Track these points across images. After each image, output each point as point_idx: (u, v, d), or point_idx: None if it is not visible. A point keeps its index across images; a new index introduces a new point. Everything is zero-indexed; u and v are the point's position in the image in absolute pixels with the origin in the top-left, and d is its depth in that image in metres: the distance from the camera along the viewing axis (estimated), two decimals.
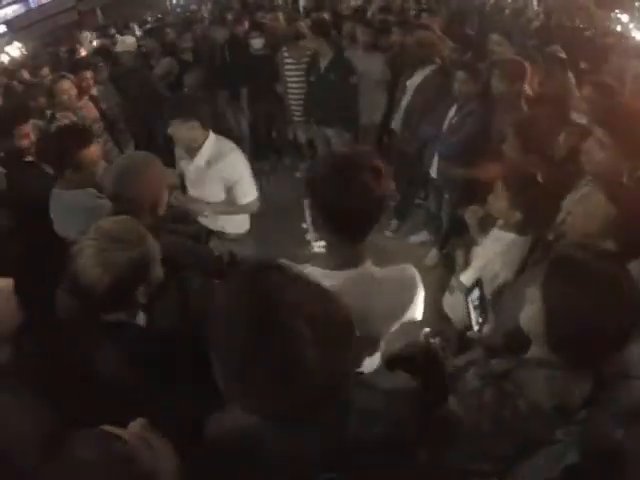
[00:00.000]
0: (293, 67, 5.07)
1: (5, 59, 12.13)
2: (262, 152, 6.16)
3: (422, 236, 4.71)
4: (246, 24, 5.87)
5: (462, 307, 2.24)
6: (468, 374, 1.47)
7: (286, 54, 5.09)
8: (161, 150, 3.72)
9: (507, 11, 8.33)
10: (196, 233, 2.65)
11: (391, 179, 3.63)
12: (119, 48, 5.69)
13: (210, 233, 2.97)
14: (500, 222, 2.32)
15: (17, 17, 17.76)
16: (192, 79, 5.46)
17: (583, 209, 1.88)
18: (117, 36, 7.69)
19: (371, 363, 1.50)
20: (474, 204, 2.62)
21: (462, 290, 2.33)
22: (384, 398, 1.07)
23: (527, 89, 3.39)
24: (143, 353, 1.44)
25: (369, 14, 6.62)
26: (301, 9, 8.16)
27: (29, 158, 3.08)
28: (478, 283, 1.98)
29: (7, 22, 17.31)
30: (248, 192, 2.96)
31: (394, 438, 1.00)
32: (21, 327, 1.51)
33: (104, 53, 5.85)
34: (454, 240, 3.65)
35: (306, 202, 2.03)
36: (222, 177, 2.83)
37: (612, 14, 8.89)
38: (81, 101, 4.34)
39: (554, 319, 1.28)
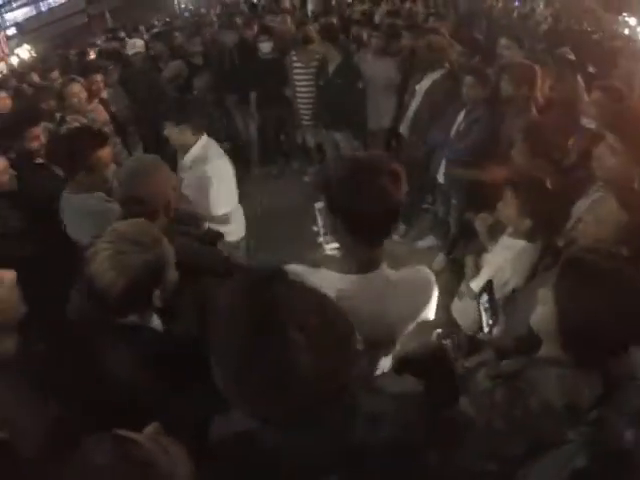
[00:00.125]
0: (302, 71, 5.08)
1: (15, 61, 12.23)
2: (270, 156, 6.19)
3: (429, 241, 4.70)
4: (255, 28, 5.88)
5: (471, 312, 2.25)
6: (479, 375, 1.48)
7: (295, 58, 5.10)
8: (169, 153, 3.73)
9: (515, 14, 8.32)
10: (204, 235, 2.65)
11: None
12: (129, 51, 5.72)
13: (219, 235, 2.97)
14: (510, 229, 2.31)
15: (27, 20, 17.91)
16: (201, 82, 5.49)
17: (594, 215, 1.88)
18: (126, 39, 7.71)
19: (387, 364, 1.52)
20: (481, 209, 2.61)
21: (471, 296, 2.33)
22: (392, 402, 1.07)
23: (537, 93, 3.37)
24: (156, 356, 1.44)
25: (376, 18, 6.63)
26: (309, 13, 8.16)
27: (39, 160, 3.10)
28: (488, 285, 1.98)
29: (17, 24, 17.46)
30: (223, 203, 2.90)
31: (402, 442, 1.00)
32: (26, 322, 1.52)
33: (114, 56, 5.87)
34: (462, 245, 3.65)
35: (317, 205, 2.04)
36: (199, 180, 2.80)
37: (620, 17, 8.89)
38: (91, 104, 4.36)
39: (565, 318, 1.29)
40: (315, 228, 2.07)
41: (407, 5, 7.91)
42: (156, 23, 12.04)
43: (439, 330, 1.24)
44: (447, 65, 4.24)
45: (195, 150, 2.87)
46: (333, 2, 9.59)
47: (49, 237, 2.52)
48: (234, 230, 3.09)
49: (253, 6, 9.32)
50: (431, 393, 1.13)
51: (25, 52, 13.82)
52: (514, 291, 2.17)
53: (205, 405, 1.08)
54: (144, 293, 1.50)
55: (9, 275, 1.48)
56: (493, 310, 1.90)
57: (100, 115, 4.42)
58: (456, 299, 2.58)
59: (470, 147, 3.52)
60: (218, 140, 3.14)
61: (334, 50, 4.74)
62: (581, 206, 2.24)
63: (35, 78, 6.27)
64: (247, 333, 0.81)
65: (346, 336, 0.87)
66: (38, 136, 3.11)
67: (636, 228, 1.70)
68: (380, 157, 1.38)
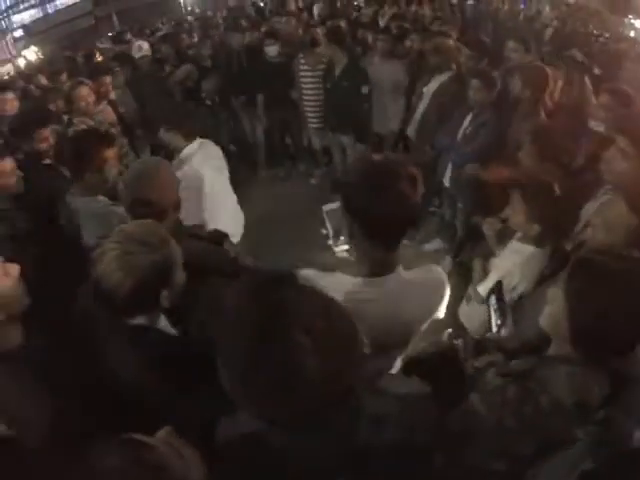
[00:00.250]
0: (309, 74, 5.08)
1: (22, 63, 12.30)
2: (277, 158, 6.20)
3: (436, 244, 4.67)
4: (261, 30, 5.88)
5: (479, 315, 2.24)
6: (489, 373, 1.48)
7: (302, 61, 5.10)
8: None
9: (521, 17, 8.31)
10: (212, 236, 2.65)
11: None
12: (136, 54, 5.74)
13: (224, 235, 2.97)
14: (519, 234, 2.31)
15: (34, 22, 18.02)
16: (209, 85, 5.50)
17: (603, 219, 1.87)
18: (133, 40, 7.74)
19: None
20: (488, 213, 2.60)
21: (479, 300, 2.32)
22: (396, 403, 1.07)
23: (547, 97, 3.36)
24: (163, 358, 1.44)
25: (381, 22, 6.63)
26: (315, 16, 8.16)
27: (47, 161, 3.12)
28: (497, 286, 1.98)
29: (24, 26, 17.57)
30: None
31: (408, 443, 1.00)
32: (30, 320, 1.52)
33: (122, 58, 5.89)
34: (468, 248, 3.64)
35: (325, 208, 2.04)
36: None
37: (625, 19, 8.87)
38: (99, 105, 4.38)
39: (575, 317, 1.29)
40: (324, 231, 2.07)
41: (413, 8, 7.91)
42: (161, 26, 12.08)
43: (450, 330, 1.24)
44: (454, 67, 4.23)
45: (182, 153, 2.90)
46: (339, 5, 9.61)
47: (56, 238, 2.53)
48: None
49: (259, 9, 9.34)
50: (439, 394, 1.13)
51: (32, 54, 13.91)
52: (521, 297, 2.16)
53: (212, 407, 1.08)
54: (152, 294, 1.49)
55: (13, 268, 1.49)
56: (502, 311, 1.90)
57: (108, 116, 4.43)
58: (463, 302, 2.57)
59: (477, 151, 3.51)
60: (225, 142, 3.15)
61: (340, 53, 4.74)
62: (589, 209, 2.23)
63: (42, 80, 6.28)
64: (253, 335, 0.81)
65: (352, 339, 0.88)
66: (47, 137, 3.12)
67: None
68: (398, 161, 1.38)
